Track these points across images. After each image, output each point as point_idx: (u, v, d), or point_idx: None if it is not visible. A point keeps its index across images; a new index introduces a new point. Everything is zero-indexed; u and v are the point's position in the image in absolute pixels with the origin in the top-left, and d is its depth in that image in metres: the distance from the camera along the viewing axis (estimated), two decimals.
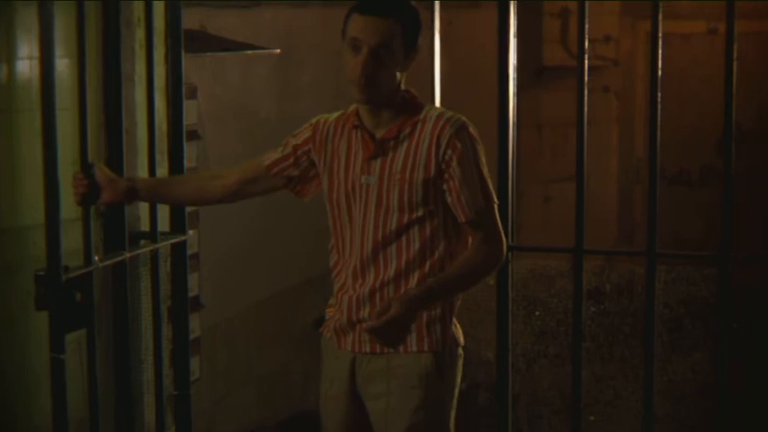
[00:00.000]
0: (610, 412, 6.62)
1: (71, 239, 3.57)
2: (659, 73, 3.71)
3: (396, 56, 3.15)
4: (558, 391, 6.50)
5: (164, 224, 4.22)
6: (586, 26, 3.72)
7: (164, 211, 4.20)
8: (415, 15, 3.22)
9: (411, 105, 3.25)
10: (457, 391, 3.35)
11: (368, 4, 3.18)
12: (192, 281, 4.48)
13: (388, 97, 3.21)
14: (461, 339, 3.35)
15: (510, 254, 3.88)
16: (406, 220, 3.21)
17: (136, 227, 4.16)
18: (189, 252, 4.36)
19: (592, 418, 6.32)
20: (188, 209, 4.28)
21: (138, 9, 4.12)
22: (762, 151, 7.94)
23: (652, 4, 3.66)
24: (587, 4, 3.72)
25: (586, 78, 3.78)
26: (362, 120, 3.27)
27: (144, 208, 4.15)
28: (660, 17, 3.67)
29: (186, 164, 4.27)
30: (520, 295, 6.44)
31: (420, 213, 3.21)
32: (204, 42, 4.84)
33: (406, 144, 3.20)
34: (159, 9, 4.16)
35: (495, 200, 3.25)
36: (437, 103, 3.99)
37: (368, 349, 3.27)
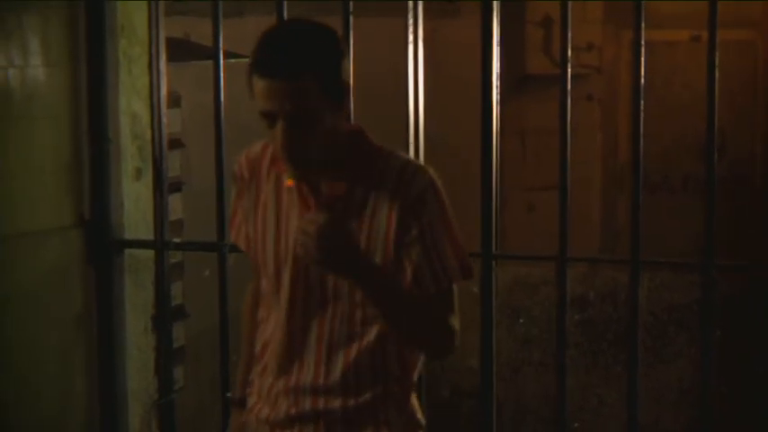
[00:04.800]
0: (594, 420, 6.63)
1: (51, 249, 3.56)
2: (642, 80, 3.70)
3: (321, 114, 2.44)
4: (543, 399, 6.50)
5: (147, 232, 4.22)
6: (569, 29, 3.71)
7: (147, 219, 4.21)
8: (329, 54, 2.47)
9: (361, 148, 2.59)
10: None
11: (267, 65, 2.42)
12: (177, 289, 4.47)
13: (328, 155, 2.51)
14: (421, 420, 2.76)
15: (494, 262, 3.86)
16: (359, 314, 2.59)
17: (120, 235, 4.16)
18: (174, 261, 4.36)
19: (576, 425, 6.32)
20: (171, 216, 4.28)
21: (122, 17, 4.11)
22: (743, 156, 7.98)
23: (634, 5, 3.65)
24: (570, 4, 3.70)
25: (569, 86, 3.77)
26: None
27: (127, 215, 4.15)
28: (643, 24, 3.67)
29: (170, 173, 4.27)
30: (504, 303, 6.44)
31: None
32: (188, 51, 4.84)
33: (357, 208, 2.54)
34: (142, 18, 4.16)
35: (462, 275, 2.61)
36: (420, 112, 3.94)
37: None
